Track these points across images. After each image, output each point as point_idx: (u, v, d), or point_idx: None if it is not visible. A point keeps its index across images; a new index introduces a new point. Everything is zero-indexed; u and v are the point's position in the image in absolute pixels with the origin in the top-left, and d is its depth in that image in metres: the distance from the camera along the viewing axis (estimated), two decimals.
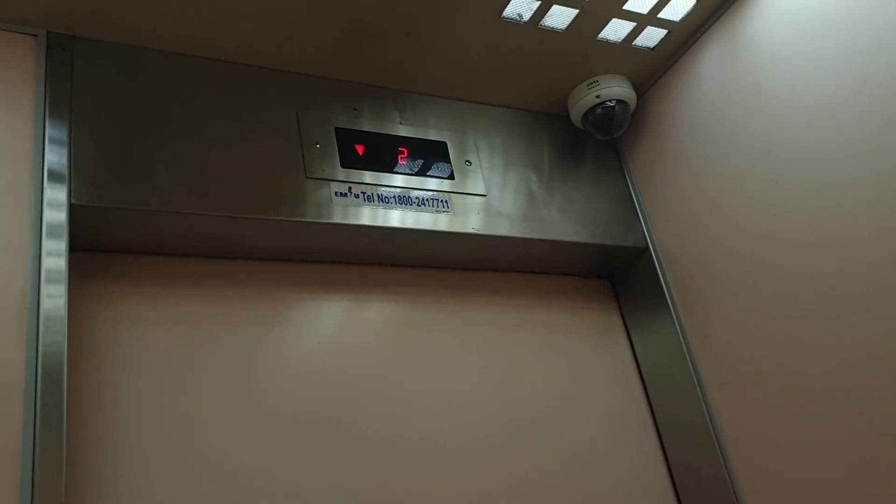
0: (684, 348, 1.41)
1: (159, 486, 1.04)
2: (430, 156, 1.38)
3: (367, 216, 1.25)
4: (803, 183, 1.21)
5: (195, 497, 1.05)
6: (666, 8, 1.33)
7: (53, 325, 0.95)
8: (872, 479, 1.08)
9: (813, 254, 1.19)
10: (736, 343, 1.32)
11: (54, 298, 0.96)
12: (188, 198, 1.12)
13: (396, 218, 1.27)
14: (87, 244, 1.13)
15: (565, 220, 1.44)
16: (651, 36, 1.41)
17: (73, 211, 1.04)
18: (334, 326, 1.28)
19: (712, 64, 1.39)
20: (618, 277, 1.60)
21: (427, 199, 1.32)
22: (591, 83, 1.46)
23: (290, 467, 1.13)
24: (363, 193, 1.27)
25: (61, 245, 1.00)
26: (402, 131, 1.38)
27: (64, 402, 0.92)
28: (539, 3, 1.27)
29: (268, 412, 1.15)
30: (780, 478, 1.23)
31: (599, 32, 1.36)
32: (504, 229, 1.36)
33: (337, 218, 1.22)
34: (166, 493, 1.04)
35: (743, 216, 1.31)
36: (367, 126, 1.35)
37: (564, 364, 1.46)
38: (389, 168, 1.32)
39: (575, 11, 1.30)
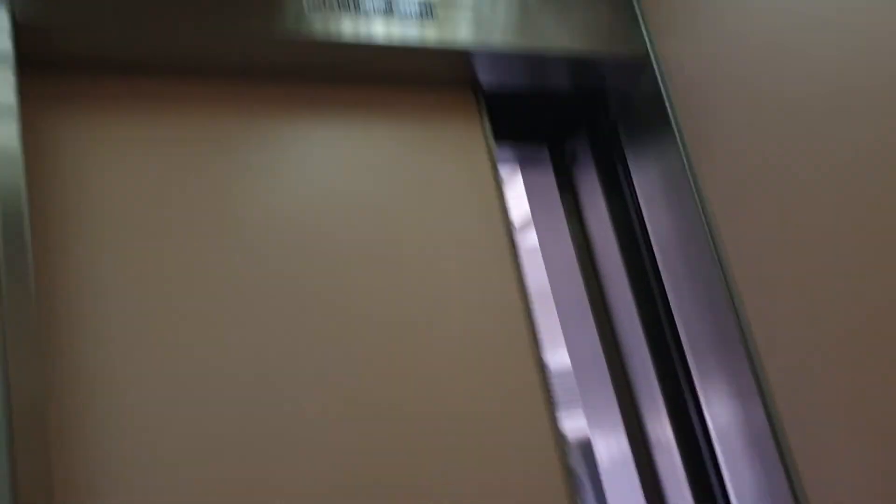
0: (686, 168, 1.34)
1: (135, 340, 0.99)
2: None
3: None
4: None
5: (174, 355, 1.01)
6: None
7: (7, 166, 0.89)
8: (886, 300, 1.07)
9: (822, 63, 1.12)
10: (740, 160, 1.26)
11: (5, 137, 0.90)
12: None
13: (381, 29, 1.18)
14: (37, 65, 1.04)
15: (559, 28, 1.33)
16: None
17: (18, 31, 0.95)
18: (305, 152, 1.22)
19: None
20: (614, 93, 1.50)
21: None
22: None
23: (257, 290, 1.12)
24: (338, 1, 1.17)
25: (8, 75, 0.92)
26: None
27: (28, 248, 0.89)
28: None
29: (244, 235, 1.12)
30: (784, 289, 1.20)
31: None
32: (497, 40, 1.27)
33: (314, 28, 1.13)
34: (142, 347, 1.00)
35: (751, 21, 1.22)
36: None
37: None
38: None
39: None
